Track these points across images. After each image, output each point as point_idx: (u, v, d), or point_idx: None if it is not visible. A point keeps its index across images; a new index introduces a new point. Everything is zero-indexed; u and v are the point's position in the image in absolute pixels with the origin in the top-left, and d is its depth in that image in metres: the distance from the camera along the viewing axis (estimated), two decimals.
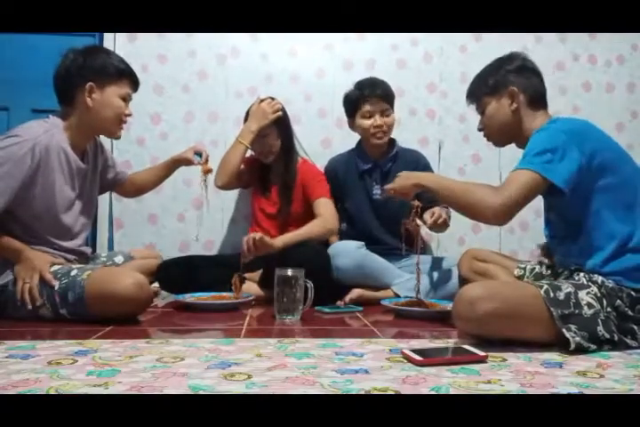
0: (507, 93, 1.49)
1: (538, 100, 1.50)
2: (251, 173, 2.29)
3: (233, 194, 2.50)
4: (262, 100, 2.14)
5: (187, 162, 2.04)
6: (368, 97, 2.13)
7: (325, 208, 2.12)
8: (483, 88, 1.54)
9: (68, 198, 1.67)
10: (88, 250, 1.83)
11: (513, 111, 1.49)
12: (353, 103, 2.17)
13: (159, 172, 2.09)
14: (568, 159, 1.30)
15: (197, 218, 2.02)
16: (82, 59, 1.62)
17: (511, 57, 1.54)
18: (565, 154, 1.30)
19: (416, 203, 1.75)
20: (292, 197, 2.18)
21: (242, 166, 2.21)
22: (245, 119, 2.17)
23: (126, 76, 1.68)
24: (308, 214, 2.14)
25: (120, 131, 1.74)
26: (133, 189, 2.08)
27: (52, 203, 1.62)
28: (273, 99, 2.16)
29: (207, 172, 2.02)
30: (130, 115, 1.73)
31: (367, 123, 2.16)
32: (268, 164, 2.22)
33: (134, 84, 1.72)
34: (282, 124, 2.17)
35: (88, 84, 1.61)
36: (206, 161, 2.02)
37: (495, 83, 1.51)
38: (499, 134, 1.56)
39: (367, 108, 2.14)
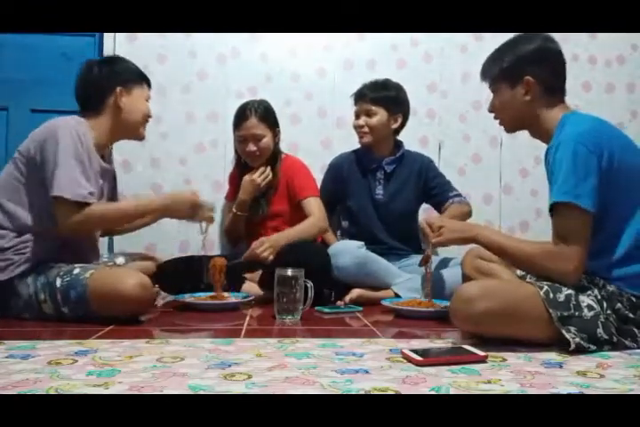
0: (521, 82, 1.40)
1: (555, 89, 1.41)
2: (236, 187, 2.24)
3: None
4: (251, 174, 2.13)
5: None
6: (357, 97, 2.23)
7: (315, 207, 2.10)
8: (496, 69, 1.44)
9: None
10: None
11: (527, 102, 1.40)
12: (353, 101, 2.26)
13: (147, 218, 2.00)
14: (589, 175, 1.25)
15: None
16: (105, 67, 1.74)
17: (530, 36, 1.43)
18: (586, 170, 1.25)
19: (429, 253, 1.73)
20: (272, 197, 2.17)
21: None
22: (235, 125, 2.14)
23: (145, 79, 1.82)
24: (298, 212, 2.13)
25: (145, 131, 1.83)
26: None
27: None
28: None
29: (208, 220, 1.91)
30: (151, 116, 1.83)
31: (354, 122, 2.25)
32: (246, 171, 2.19)
33: (150, 86, 1.85)
34: (272, 125, 2.16)
35: (118, 89, 1.72)
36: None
37: (510, 67, 1.41)
38: (510, 121, 1.48)
39: (355, 108, 2.25)
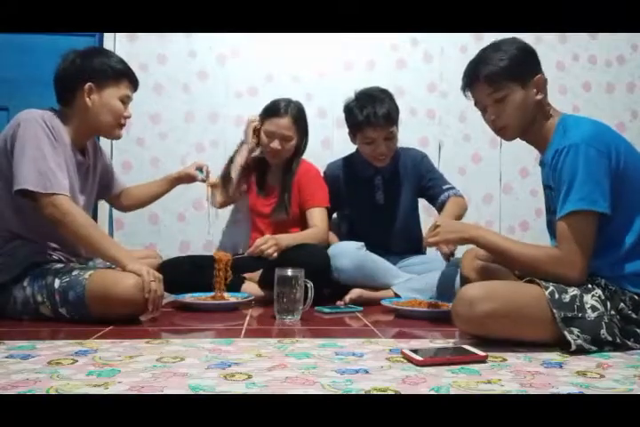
0: (534, 82, 1.37)
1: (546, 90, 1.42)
2: (248, 172, 2.26)
3: None
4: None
5: (189, 179, 2.05)
6: (370, 123, 1.99)
7: (320, 219, 2.11)
8: (505, 71, 1.35)
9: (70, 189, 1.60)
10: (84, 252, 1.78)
11: (537, 102, 1.37)
12: (354, 124, 2.05)
13: (158, 188, 2.07)
14: (603, 177, 1.26)
15: (207, 217, 2.04)
16: (80, 60, 1.63)
17: (511, 40, 1.41)
18: (600, 173, 1.25)
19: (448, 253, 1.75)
20: (290, 198, 2.17)
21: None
22: (266, 115, 2.13)
23: (125, 77, 1.68)
24: (304, 218, 2.15)
25: (119, 132, 1.74)
26: (129, 202, 2.04)
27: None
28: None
29: (214, 186, 2.04)
30: (129, 117, 1.73)
31: (368, 148, 2.07)
32: (265, 164, 2.22)
33: (133, 84, 1.72)
34: (302, 130, 2.17)
35: (87, 84, 1.62)
36: (207, 175, 2.04)
37: (521, 67, 1.36)
38: (519, 126, 1.41)
39: (369, 133, 2.02)
